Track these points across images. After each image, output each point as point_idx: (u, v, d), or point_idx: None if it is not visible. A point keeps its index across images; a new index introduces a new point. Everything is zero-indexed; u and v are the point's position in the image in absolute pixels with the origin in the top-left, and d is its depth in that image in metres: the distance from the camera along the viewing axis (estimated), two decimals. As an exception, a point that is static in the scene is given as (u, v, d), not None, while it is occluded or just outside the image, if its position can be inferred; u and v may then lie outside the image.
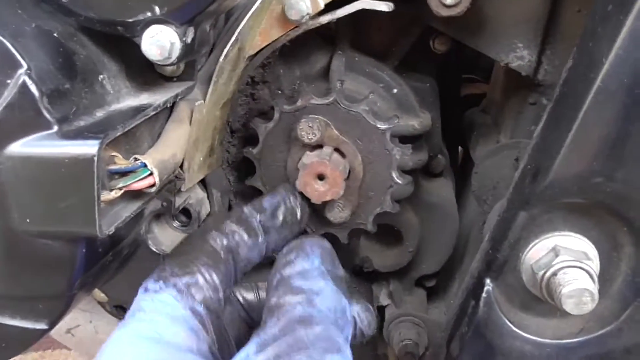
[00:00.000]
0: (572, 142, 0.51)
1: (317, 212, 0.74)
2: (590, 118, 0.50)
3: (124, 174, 0.49)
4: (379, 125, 0.68)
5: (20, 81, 0.43)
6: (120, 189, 0.49)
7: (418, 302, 0.93)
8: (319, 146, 0.69)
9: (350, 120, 0.68)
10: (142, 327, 0.47)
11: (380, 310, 0.93)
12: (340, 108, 0.68)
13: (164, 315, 0.48)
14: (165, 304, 0.49)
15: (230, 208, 0.78)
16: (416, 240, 0.86)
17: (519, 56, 0.71)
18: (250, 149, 0.72)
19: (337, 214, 0.72)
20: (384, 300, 0.93)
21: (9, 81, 0.43)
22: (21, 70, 0.43)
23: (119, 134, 0.47)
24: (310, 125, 0.67)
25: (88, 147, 0.43)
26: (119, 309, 0.72)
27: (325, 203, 0.71)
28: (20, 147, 0.44)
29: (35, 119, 0.44)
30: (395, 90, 0.76)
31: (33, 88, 0.44)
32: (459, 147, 1.15)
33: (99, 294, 0.72)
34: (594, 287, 0.52)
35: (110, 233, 0.48)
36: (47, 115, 0.44)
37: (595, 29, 0.51)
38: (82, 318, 1.12)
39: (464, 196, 0.96)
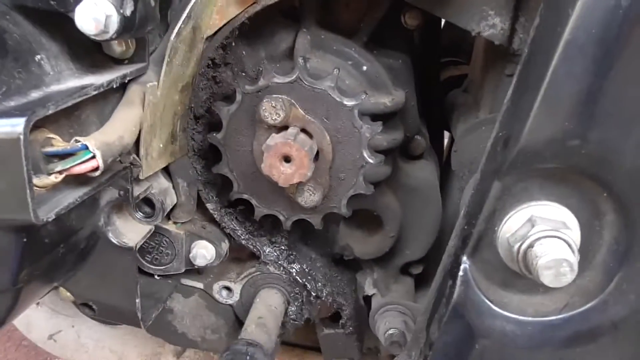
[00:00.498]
0: (541, 103, 0.48)
1: (288, 197, 0.71)
2: (559, 75, 0.47)
3: (63, 157, 0.46)
4: (345, 102, 0.65)
5: (-61, 59, 0.40)
6: (60, 172, 0.46)
7: (404, 290, 0.89)
8: (285, 127, 0.66)
9: (315, 99, 0.65)
10: None
11: (367, 300, 0.90)
12: (304, 86, 0.64)
13: None
14: None
15: (199, 199, 0.75)
16: (397, 225, 0.83)
17: (490, 24, 0.68)
18: (215, 134, 0.69)
19: (307, 198, 0.69)
20: (369, 290, 0.89)
21: None
22: (-60, 48, 0.40)
23: (50, 112, 0.43)
24: (273, 105, 0.63)
25: (12, 126, 0.40)
26: (86, 307, 0.68)
27: (294, 187, 0.68)
28: (-58, 130, 0.41)
29: (-43, 99, 0.41)
30: (364, 68, 0.73)
31: (-47, 66, 0.41)
32: (444, 131, 1.12)
33: (63, 292, 0.68)
34: (573, 257, 0.48)
35: (50, 220, 0.44)
36: (-29, 95, 0.41)
37: (561, -20, 0.47)
38: (63, 323, 1.09)
39: (449, 180, 0.93)
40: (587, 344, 0.55)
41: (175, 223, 0.75)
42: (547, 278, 0.48)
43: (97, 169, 0.48)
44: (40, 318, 1.08)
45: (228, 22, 0.65)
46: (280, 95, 0.64)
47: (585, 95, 0.47)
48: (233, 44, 0.70)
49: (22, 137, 0.40)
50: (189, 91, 0.67)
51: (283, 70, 0.68)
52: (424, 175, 0.84)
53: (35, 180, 0.43)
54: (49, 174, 0.45)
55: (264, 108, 0.64)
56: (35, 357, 1.94)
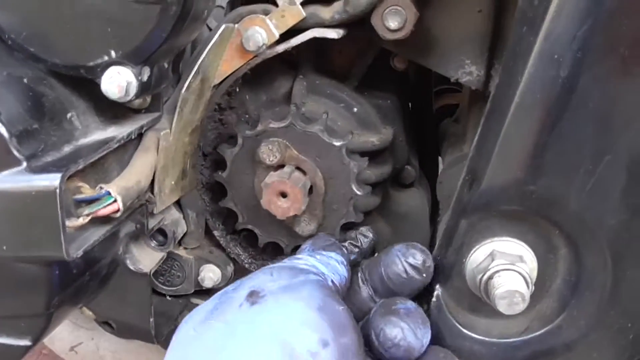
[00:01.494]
0: (497, 155, 0.56)
1: (288, 227, 0.79)
2: (512, 131, 0.54)
3: (90, 202, 0.55)
4: (334, 143, 0.73)
5: (-9, 125, 0.49)
6: (87, 215, 0.54)
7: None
8: (281, 166, 0.74)
9: (308, 140, 0.73)
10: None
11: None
12: (297, 129, 0.73)
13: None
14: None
15: (207, 227, 0.84)
16: (388, 249, 0.90)
17: (467, 72, 0.76)
18: (220, 173, 0.77)
19: (304, 228, 0.77)
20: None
21: (-19, 125, 0.49)
22: (-8, 116, 0.49)
23: (80, 166, 0.52)
24: (270, 148, 0.72)
25: (51, 181, 0.49)
26: (106, 325, 0.77)
27: (292, 218, 0.76)
28: (-7, 183, 0.50)
29: (5, 157, 0.50)
30: (355, 109, 0.81)
31: (2, 130, 0.50)
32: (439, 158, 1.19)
33: (87, 311, 0.77)
34: (525, 289, 0.55)
35: (79, 256, 0.53)
36: (16, 154, 0.50)
37: (515, 49, 0.55)
38: (84, 336, 1.18)
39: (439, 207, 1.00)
40: (545, 362, 0.62)
41: (185, 249, 0.83)
42: (502, 307, 0.55)
43: (118, 211, 0.56)
44: (63, 331, 1.17)
45: (233, 72, 0.73)
46: (276, 139, 0.72)
47: (533, 149, 0.54)
48: (237, 90, 0.79)
49: (57, 190, 0.49)
50: (197, 133, 0.76)
51: (281, 114, 0.76)
52: (414, 203, 0.92)
53: (67, 223, 0.52)
54: (79, 217, 0.54)
55: (262, 150, 0.72)
56: (50, 367, 2.03)
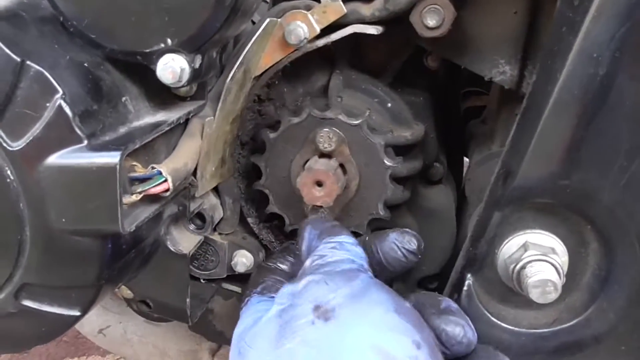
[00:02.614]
0: (534, 148, 0.58)
1: (302, 212, 0.81)
2: (548, 126, 0.56)
3: (142, 180, 0.58)
4: (386, 162, 0.76)
5: (57, 104, 0.52)
6: (139, 193, 0.57)
7: (420, 303, 0.98)
8: (327, 155, 0.76)
9: (365, 146, 0.76)
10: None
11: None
12: (361, 133, 0.75)
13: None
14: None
15: (241, 214, 0.86)
16: (415, 244, 0.92)
17: (501, 71, 0.78)
18: (268, 132, 0.79)
19: None
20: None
21: (47, 104, 0.52)
22: (57, 95, 0.52)
23: (137, 146, 0.55)
24: (330, 136, 0.74)
25: (111, 158, 0.52)
26: (143, 304, 0.80)
27: (312, 206, 0.78)
28: (56, 159, 0.53)
29: (69, 135, 0.53)
30: (389, 105, 0.83)
31: (67, 110, 0.53)
32: (465, 158, 1.21)
33: (125, 290, 0.80)
34: (557, 279, 0.57)
35: (132, 231, 0.56)
36: (79, 132, 0.53)
37: (553, 48, 0.57)
38: (112, 319, 1.21)
39: (465, 204, 1.02)
40: (573, 354, 0.63)
41: (220, 234, 0.86)
42: (535, 295, 0.57)
43: (168, 190, 0.59)
44: (92, 314, 1.20)
45: (273, 65, 0.76)
46: (339, 130, 0.75)
47: (569, 144, 0.56)
48: (276, 82, 0.82)
49: (117, 166, 0.52)
50: (237, 122, 0.79)
51: (320, 107, 0.79)
52: (441, 199, 0.94)
53: (123, 199, 0.55)
54: (132, 194, 0.57)
55: (321, 134, 0.74)
56: (74, 352, 2.09)
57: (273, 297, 0.62)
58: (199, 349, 1.16)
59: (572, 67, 0.54)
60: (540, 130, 0.57)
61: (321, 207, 0.74)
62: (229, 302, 0.93)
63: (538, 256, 0.59)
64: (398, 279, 1.01)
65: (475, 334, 0.57)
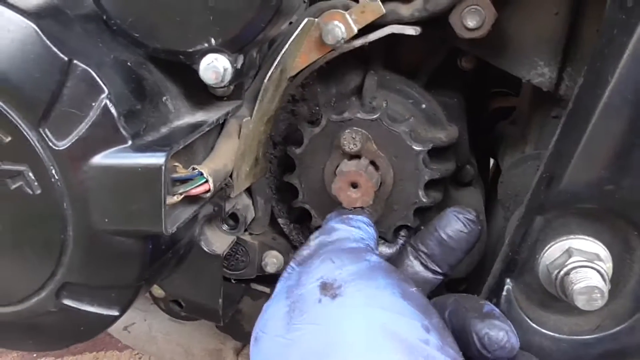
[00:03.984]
0: (581, 152, 0.57)
1: None
2: (597, 130, 0.55)
3: (184, 181, 0.57)
4: (415, 147, 0.75)
5: (103, 104, 0.52)
6: (181, 194, 0.57)
7: (448, 305, 0.97)
8: (356, 156, 0.76)
9: (389, 138, 0.75)
10: None
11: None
12: (383, 125, 0.74)
13: None
14: None
15: (272, 215, 0.86)
16: (445, 246, 0.92)
17: (539, 73, 0.77)
18: (294, 148, 0.79)
19: None
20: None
21: (93, 104, 0.52)
22: (103, 95, 0.52)
23: (181, 147, 0.55)
24: (353, 136, 0.74)
25: (156, 159, 0.52)
26: (175, 303, 0.80)
27: (353, 209, 0.77)
28: (101, 159, 0.53)
29: (113, 135, 0.53)
30: (423, 106, 0.82)
31: (112, 109, 0.53)
32: (490, 159, 1.20)
33: (157, 289, 0.80)
34: (603, 285, 0.56)
35: (173, 232, 0.56)
36: (123, 132, 0.53)
37: (603, 50, 0.56)
38: (137, 317, 1.22)
39: (494, 206, 1.01)
40: (616, 362, 0.62)
41: (250, 234, 0.86)
42: (580, 302, 0.56)
43: (208, 191, 0.59)
44: (116, 310, 1.21)
45: (309, 65, 0.75)
46: (360, 129, 0.74)
47: (620, 149, 0.55)
48: (310, 82, 0.81)
49: (163, 167, 0.51)
50: (271, 122, 0.78)
51: (353, 106, 0.78)
52: (471, 201, 0.93)
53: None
54: (173, 195, 0.57)
55: (344, 137, 0.74)
56: (92, 347, 2.10)
57: None
58: (224, 347, 1.16)
59: (624, 70, 0.53)
60: (588, 134, 0.56)
61: (362, 207, 0.73)
62: (258, 303, 0.92)
63: (583, 262, 0.58)
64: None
65: (518, 340, 0.56)
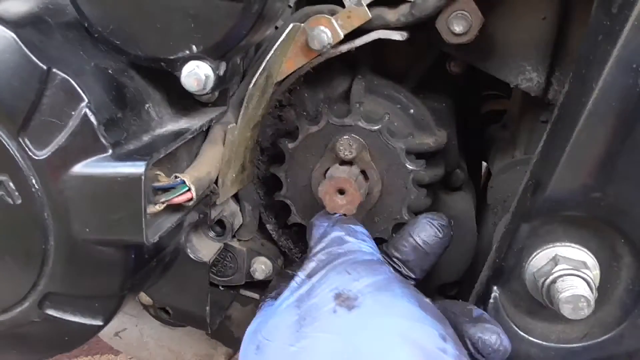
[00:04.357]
0: (567, 160, 0.56)
1: None
2: (582, 138, 0.55)
3: (166, 190, 0.57)
4: (408, 165, 0.75)
5: (82, 112, 0.52)
6: (163, 202, 0.56)
7: (439, 310, 0.97)
8: (348, 163, 0.75)
9: (385, 151, 0.74)
10: None
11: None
12: (381, 138, 0.74)
13: None
14: None
15: (260, 220, 0.85)
16: (436, 251, 0.91)
17: (527, 78, 0.76)
18: (287, 141, 0.78)
19: None
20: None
21: (73, 113, 0.52)
22: (83, 104, 0.52)
23: (162, 156, 0.54)
24: (350, 143, 0.73)
25: (136, 168, 0.51)
26: (162, 311, 0.80)
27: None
28: (81, 168, 0.52)
29: (93, 144, 0.52)
30: (411, 111, 0.82)
31: (92, 118, 0.52)
32: (483, 163, 1.19)
33: (144, 297, 0.80)
34: (590, 294, 0.56)
35: (155, 241, 0.55)
36: (103, 141, 0.52)
37: (588, 57, 0.55)
38: (129, 322, 1.21)
39: (485, 210, 1.01)
40: (604, 370, 0.62)
41: (238, 240, 0.85)
42: (567, 311, 0.56)
43: (191, 199, 0.58)
44: (108, 316, 1.20)
45: (295, 70, 0.75)
46: (358, 137, 0.74)
47: (604, 157, 0.55)
48: (297, 87, 0.81)
49: (143, 177, 0.51)
50: (258, 128, 0.78)
51: (339, 112, 0.78)
52: (461, 206, 0.92)
53: (147, 209, 0.54)
54: (155, 204, 0.56)
55: (341, 142, 0.73)
56: (88, 351, 2.09)
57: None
58: (215, 353, 1.15)
59: (609, 77, 0.52)
60: (573, 141, 0.55)
61: (344, 215, 0.72)
62: (247, 309, 0.92)
63: (569, 270, 0.57)
64: (417, 285, 1.00)
65: (510, 342, 0.56)
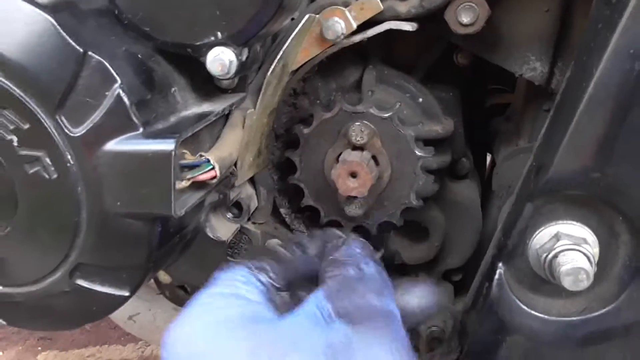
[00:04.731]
0: (568, 143, 0.60)
1: (337, 203, 0.84)
2: (583, 121, 0.58)
3: (191, 167, 0.61)
4: (417, 152, 0.78)
5: (116, 93, 0.55)
6: (189, 179, 0.60)
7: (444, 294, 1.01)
8: (360, 148, 0.79)
9: (395, 138, 0.78)
10: (219, 287, 0.53)
11: (411, 301, 1.02)
12: (392, 125, 0.78)
13: (239, 281, 0.53)
14: (239, 274, 0.54)
15: (275, 204, 0.89)
16: (441, 236, 0.95)
17: (531, 68, 0.80)
18: (302, 127, 0.81)
19: (352, 210, 0.82)
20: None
21: (107, 93, 0.55)
22: (116, 85, 0.55)
23: (189, 134, 0.58)
24: (362, 129, 0.77)
25: (166, 145, 0.55)
26: (181, 289, 0.83)
27: (347, 197, 0.81)
28: (114, 145, 0.56)
29: (126, 122, 0.56)
30: (420, 100, 0.85)
31: (125, 98, 0.56)
32: (487, 154, 1.23)
33: (163, 275, 0.83)
34: (589, 267, 0.59)
35: (182, 214, 0.59)
36: (135, 120, 0.56)
37: (589, 44, 0.59)
38: (142, 307, 1.25)
39: (489, 198, 1.04)
40: (602, 343, 0.65)
41: (253, 223, 0.89)
42: (567, 283, 0.59)
43: (215, 177, 0.62)
44: (122, 300, 1.24)
45: (310, 59, 0.78)
46: (370, 124, 0.77)
47: (604, 139, 0.58)
48: (311, 76, 0.84)
49: (173, 153, 0.55)
50: (274, 115, 0.82)
51: (351, 100, 0.81)
52: (467, 193, 0.96)
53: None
54: (182, 180, 0.60)
55: (353, 128, 0.77)
56: (95, 341, 2.13)
57: (261, 281, 0.54)
58: (226, 336, 1.18)
59: (608, 63, 0.56)
60: (574, 125, 0.59)
61: (356, 197, 0.76)
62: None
63: (570, 246, 0.61)
64: (423, 271, 1.04)
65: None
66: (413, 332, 1.01)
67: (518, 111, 1.01)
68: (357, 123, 0.77)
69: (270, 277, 0.55)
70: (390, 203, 0.83)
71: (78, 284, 0.63)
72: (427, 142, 0.83)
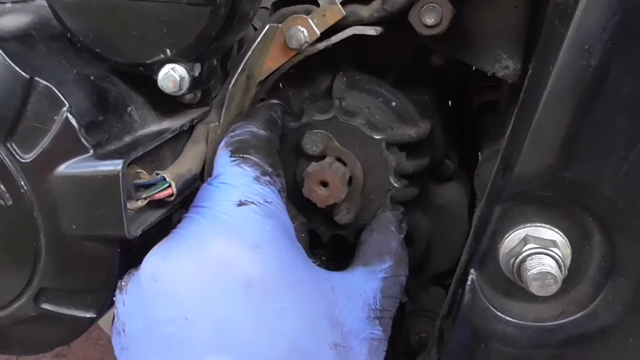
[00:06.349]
0: (530, 141, 0.58)
1: (327, 215, 0.83)
2: (543, 119, 0.56)
3: (147, 186, 0.60)
4: (374, 136, 0.77)
5: (64, 117, 0.55)
6: (145, 198, 0.60)
7: (434, 299, 0.99)
8: (323, 157, 0.78)
9: (349, 133, 0.77)
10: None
11: (401, 307, 1.00)
12: (340, 122, 0.77)
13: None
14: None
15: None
16: (425, 241, 0.93)
17: (503, 66, 0.77)
18: None
19: (343, 216, 0.81)
20: (402, 298, 0.99)
21: (55, 117, 0.55)
22: (64, 108, 0.55)
23: (140, 154, 0.58)
24: (313, 139, 0.76)
25: (114, 166, 0.54)
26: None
27: (331, 207, 0.79)
28: (65, 168, 0.56)
29: (75, 145, 0.56)
30: (393, 103, 0.84)
31: (73, 122, 0.55)
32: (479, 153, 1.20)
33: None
34: (557, 271, 0.57)
35: (137, 235, 0.58)
36: (85, 142, 0.56)
37: (546, 41, 0.57)
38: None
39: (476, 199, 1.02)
40: (580, 347, 0.63)
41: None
42: (534, 288, 0.57)
43: (172, 195, 0.61)
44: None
45: (277, 69, 0.78)
46: (319, 130, 0.76)
47: (565, 136, 0.56)
48: (281, 86, 0.83)
49: (120, 174, 0.54)
50: (244, 127, 0.81)
51: (322, 108, 0.80)
52: (452, 195, 0.94)
53: (127, 205, 0.57)
54: (137, 200, 0.59)
55: (305, 141, 0.76)
56: (108, 354, 2.15)
57: (242, 167, 0.63)
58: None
59: (564, 59, 0.54)
60: (535, 123, 0.57)
61: (336, 204, 0.75)
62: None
63: (538, 249, 0.59)
64: (411, 276, 1.02)
65: None
66: (403, 338, 0.99)
67: (503, 109, 0.98)
68: (306, 134, 0.77)
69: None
70: (375, 195, 0.81)
71: (44, 308, 0.63)
72: (401, 147, 0.82)
